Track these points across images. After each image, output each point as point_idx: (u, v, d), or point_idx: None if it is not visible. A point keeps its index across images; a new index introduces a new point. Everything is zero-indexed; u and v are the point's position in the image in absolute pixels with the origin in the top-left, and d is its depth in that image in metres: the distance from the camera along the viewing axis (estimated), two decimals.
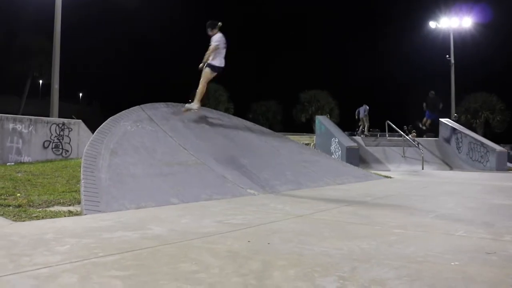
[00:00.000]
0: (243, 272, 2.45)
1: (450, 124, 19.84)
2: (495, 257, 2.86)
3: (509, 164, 17.25)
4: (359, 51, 65.65)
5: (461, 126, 19.99)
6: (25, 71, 42.26)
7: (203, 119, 9.30)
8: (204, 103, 8.65)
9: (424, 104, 21.06)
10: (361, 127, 22.53)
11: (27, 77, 43.30)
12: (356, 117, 22.90)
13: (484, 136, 23.46)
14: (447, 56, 32.33)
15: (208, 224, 3.98)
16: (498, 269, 2.59)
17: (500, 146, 17.48)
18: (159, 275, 2.36)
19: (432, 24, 32.99)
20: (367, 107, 22.85)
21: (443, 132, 20.02)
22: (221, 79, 49.63)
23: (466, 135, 18.18)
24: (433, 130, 21.24)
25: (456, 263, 2.70)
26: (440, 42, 33.39)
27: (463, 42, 33.98)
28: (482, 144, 17.29)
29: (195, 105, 8.76)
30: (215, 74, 8.80)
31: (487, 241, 3.38)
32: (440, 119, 20.65)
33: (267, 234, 3.52)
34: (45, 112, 20.43)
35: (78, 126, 13.55)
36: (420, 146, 18.32)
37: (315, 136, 21.84)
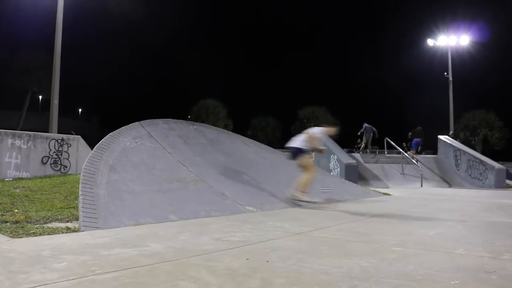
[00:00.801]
0: None
1: (449, 141, 19.88)
2: (494, 276, 2.85)
3: (507, 182, 17.24)
4: (357, 69, 66.03)
5: (460, 143, 20.04)
6: (25, 86, 42.35)
7: (202, 136, 9.32)
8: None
9: (410, 134, 21.34)
10: (363, 144, 21.98)
11: (27, 92, 43.38)
12: (361, 132, 22.13)
13: (483, 153, 23.46)
14: (445, 73, 32.51)
15: (207, 241, 3.96)
16: None
17: (499, 163, 17.49)
18: None
19: (430, 42, 33.25)
20: (375, 130, 22.09)
21: (442, 149, 20.05)
22: (220, 95, 49.89)
23: (465, 152, 18.21)
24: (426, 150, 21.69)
25: (456, 282, 2.69)
26: (438, 59, 33.62)
27: (461, 59, 34.22)
28: (481, 161, 17.30)
29: (305, 196, 7.53)
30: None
31: (486, 260, 3.36)
32: (439, 136, 20.71)
33: (265, 252, 3.50)
34: (45, 127, 20.45)
35: (77, 142, 13.56)
36: (419, 163, 18.32)
37: (314, 153, 21.80)
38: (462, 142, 22.55)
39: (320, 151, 8.30)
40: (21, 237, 3.99)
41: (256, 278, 2.69)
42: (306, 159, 7.75)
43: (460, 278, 2.77)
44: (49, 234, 4.20)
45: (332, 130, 8.43)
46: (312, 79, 66.38)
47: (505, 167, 17.41)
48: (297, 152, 7.71)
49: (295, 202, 7.37)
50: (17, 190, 7.66)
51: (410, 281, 2.69)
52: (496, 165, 16.84)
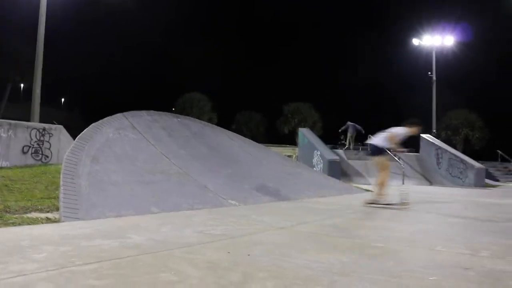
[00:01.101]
0: (223, 283, 2.43)
1: (431, 140, 20.12)
2: (472, 273, 2.89)
3: (487, 181, 17.54)
4: (342, 67, 66.24)
5: (442, 142, 20.29)
6: (6, 75, 41.65)
7: (186, 129, 9.27)
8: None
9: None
10: (347, 143, 22.11)
11: (8, 80, 42.68)
12: (342, 130, 22.35)
13: (464, 152, 23.78)
14: (429, 73, 32.84)
15: (189, 234, 3.95)
16: (475, 284, 2.62)
17: (479, 162, 17.78)
18: (138, 285, 2.33)
19: (415, 42, 33.53)
20: (359, 128, 22.19)
21: (424, 148, 20.28)
22: (205, 89, 49.68)
23: (446, 151, 18.46)
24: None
25: (435, 278, 2.72)
26: (423, 59, 33.92)
27: (446, 59, 34.59)
28: (462, 160, 17.56)
29: (382, 199, 7.41)
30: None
31: (465, 257, 3.41)
32: (421, 134, 20.92)
33: (247, 246, 3.50)
34: (26, 117, 20.09)
35: (59, 132, 13.37)
36: (401, 160, 18.50)
37: (297, 148, 21.90)
38: (444, 141, 22.84)
39: (399, 151, 8.16)
40: None
41: (237, 271, 2.69)
42: (383, 159, 7.62)
43: (439, 274, 2.80)
44: (28, 224, 4.15)
45: (415, 130, 7.94)
46: (297, 75, 66.51)
47: (484, 167, 17.71)
48: (376, 151, 7.60)
49: (374, 206, 7.18)
50: None
51: (390, 276, 2.71)
52: (476, 164, 17.12)
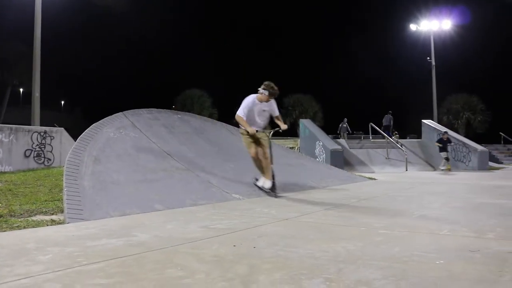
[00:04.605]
0: (229, 276, 2.43)
1: (433, 125, 20.09)
2: (479, 255, 2.89)
3: (490, 163, 17.54)
4: (340, 55, 65.95)
5: (444, 127, 20.27)
6: (5, 79, 41.66)
7: (186, 125, 9.27)
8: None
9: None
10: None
11: (7, 85, 42.68)
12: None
13: (466, 136, 23.79)
14: (428, 58, 32.76)
15: (194, 229, 3.95)
16: (482, 266, 2.62)
17: (482, 146, 17.76)
18: (145, 282, 2.33)
19: (412, 27, 33.41)
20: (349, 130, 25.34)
21: (426, 133, 20.25)
22: (205, 85, 49.61)
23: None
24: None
25: (441, 261, 2.72)
26: (421, 44, 33.81)
27: (444, 44, 34.47)
28: (464, 144, 17.55)
29: None
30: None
31: (471, 240, 3.41)
32: (423, 120, 20.91)
33: (253, 238, 3.51)
34: (27, 120, 20.15)
35: (60, 134, 13.39)
36: (403, 147, 18.49)
37: (299, 140, 21.90)
38: (446, 126, 22.81)
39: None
40: (4, 231, 3.93)
41: (243, 264, 2.70)
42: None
43: (445, 258, 2.80)
44: (33, 227, 4.15)
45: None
46: (296, 67, 66.29)
47: (487, 149, 17.71)
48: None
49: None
50: (0, 184, 7.55)
51: (396, 262, 2.71)
52: (479, 147, 17.11)
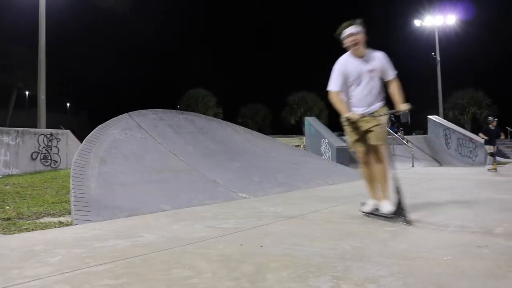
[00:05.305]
0: (236, 275, 2.44)
1: (439, 121, 20.01)
2: (487, 250, 2.88)
3: (498, 158, 17.43)
4: (345, 51, 65.58)
5: (449, 122, 20.19)
6: (11, 83, 41.87)
7: (192, 124, 9.28)
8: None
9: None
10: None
11: (13, 88, 42.90)
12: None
13: (472, 131, 23.67)
14: (433, 53, 32.62)
15: (200, 229, 3.96)
16: (490, 261, 2.61)
17: None
18: (152, 282, 2.34)
19: (417, 23, 33.27)
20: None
21: (431, 129, 20.17)
22: (209, 85, 49.62)
23: (455, 131, 18.36)
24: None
25: (449, 258, 2.71)
26: (425, 39, 33.67)
27: (449, 39, 34.32)
28: (471, 139, 17.46)
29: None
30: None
31: (478, 235, 3.40)
32: (429, 116, 20.83)
33: (259, 237, 3.51)
34: (33, 123, 20.25)
35: (66, 136, 13.46)
36: (409, 143, 18.43)
37: (304, 138, 21.87)
38: (452, 121, 22.73)
39: None
40: (13, 234, 3.97)
41: (250, 263, 2.70)
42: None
43: (453, 254, 2.79)
44: (41, 229, 4.19)
45: None
46: (300, 65, 66.17)
47: None
48: None
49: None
50: (8, 187, 7.60)
51: (403, 259, 2.71)
52: None
